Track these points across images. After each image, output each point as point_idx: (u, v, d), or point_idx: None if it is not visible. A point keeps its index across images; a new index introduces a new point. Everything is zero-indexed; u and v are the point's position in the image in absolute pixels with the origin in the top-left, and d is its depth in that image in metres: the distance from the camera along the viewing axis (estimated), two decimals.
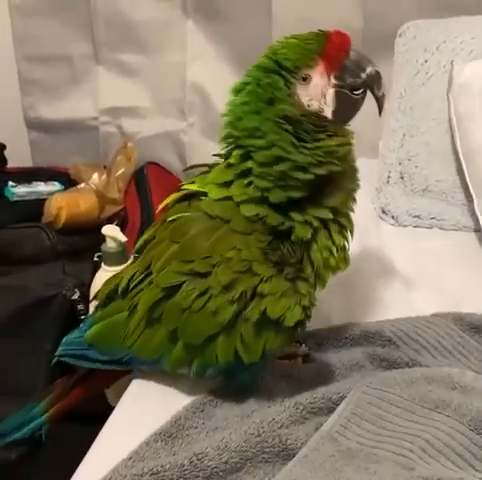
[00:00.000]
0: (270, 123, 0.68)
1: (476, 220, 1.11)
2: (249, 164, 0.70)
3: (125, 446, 0.71)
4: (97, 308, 0.83)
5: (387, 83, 1.29)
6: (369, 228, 1.17)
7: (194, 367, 0.74)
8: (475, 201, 1.10)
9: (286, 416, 0.71)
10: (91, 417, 0.84)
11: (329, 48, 0.68)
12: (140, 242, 0.81)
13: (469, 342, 0.83)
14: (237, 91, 0.71)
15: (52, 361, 0.84)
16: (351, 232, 0.76)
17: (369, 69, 0.68)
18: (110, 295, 0.80)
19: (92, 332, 0.80)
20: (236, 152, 0.71)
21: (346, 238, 0.75)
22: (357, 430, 0.69)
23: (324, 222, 0.71)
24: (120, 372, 0.84)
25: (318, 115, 0.69)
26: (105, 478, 0.66)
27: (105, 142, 1.69)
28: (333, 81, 0.69)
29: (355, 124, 0.74)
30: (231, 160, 0.72)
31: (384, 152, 1.27)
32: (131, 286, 0.76)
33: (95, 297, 0.84)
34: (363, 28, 1.43)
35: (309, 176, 0.68)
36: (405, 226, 1.20)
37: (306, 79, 0.68)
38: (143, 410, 0.79)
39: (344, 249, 0.75)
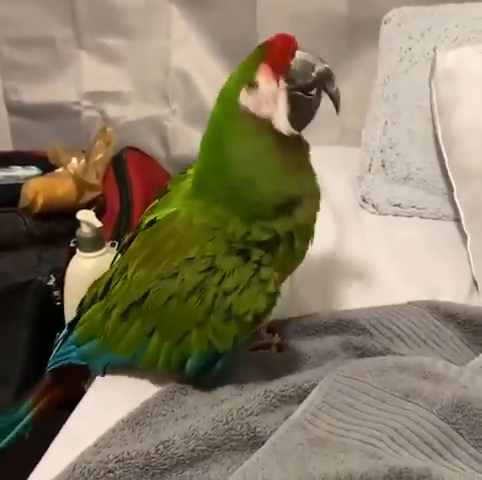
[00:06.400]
0: None
1: (456, 209, 1.10)
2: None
3: (93, 432, 0.70)
4: (81, 312, 0.83)
5: (372, 70, 1.30)
6: (349, 216, 1.16)
7: (173, 360, 0.74)
8: (454, 190, 1.09)
9: (256, 404, 0.70)
10: (65, 402, 0.85)
11: (271, 52, 0.65)
12: (125, 240, 0.83)
13: (443, 331, 0.82)
14: None
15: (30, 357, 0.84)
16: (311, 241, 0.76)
17: (319, 67, 0.64)
18: (93, 299, 0.82)
19: (76, 334, 0.81)
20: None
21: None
22: (327, 418, 0.68)
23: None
24: None
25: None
26: (71, 464, 0.65)
27: (87, 127, 1.65)
28: (283, 85, 0.65)
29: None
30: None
31: (366, 140, 1.25)
32: (111, 287, 0.78)
33: (81, 304, 0.85)
34: (348, 14, 1.41)
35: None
36: (385, 214, 1.19)
37: (253, 85, 0.66)
38: (113, 397, 0.78)
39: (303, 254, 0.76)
